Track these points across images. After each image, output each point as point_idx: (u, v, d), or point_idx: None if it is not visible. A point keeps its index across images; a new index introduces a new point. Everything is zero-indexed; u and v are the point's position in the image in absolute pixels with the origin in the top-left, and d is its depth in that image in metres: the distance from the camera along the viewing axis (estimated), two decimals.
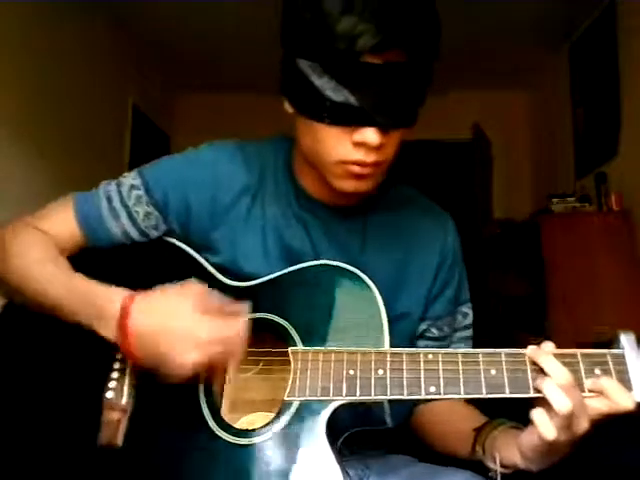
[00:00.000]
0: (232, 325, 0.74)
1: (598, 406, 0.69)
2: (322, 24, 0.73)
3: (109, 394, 0.78)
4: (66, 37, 3.23)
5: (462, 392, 0.71)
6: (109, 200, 0.91)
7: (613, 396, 0.68)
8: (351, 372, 0.74)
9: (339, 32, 0.71)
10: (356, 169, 0.79)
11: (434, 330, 0.94)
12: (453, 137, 4.74)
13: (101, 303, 0.76)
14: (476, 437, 0.80)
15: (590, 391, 0.70)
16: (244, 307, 0.76)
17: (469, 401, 0.82)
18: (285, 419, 0.74)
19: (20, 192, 2.73)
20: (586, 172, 3.66)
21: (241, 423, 0.80)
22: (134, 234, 0.91)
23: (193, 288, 0.76)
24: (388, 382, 0.73)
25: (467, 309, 0.98)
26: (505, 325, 3.57)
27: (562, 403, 0.67)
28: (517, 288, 3.52)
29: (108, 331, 0.75)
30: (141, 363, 0.75)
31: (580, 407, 0.68)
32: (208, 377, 0.79)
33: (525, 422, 0.74)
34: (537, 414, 0.68)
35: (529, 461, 0.73)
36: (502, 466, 0.76)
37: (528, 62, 4.30)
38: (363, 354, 0.75)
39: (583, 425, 0.68)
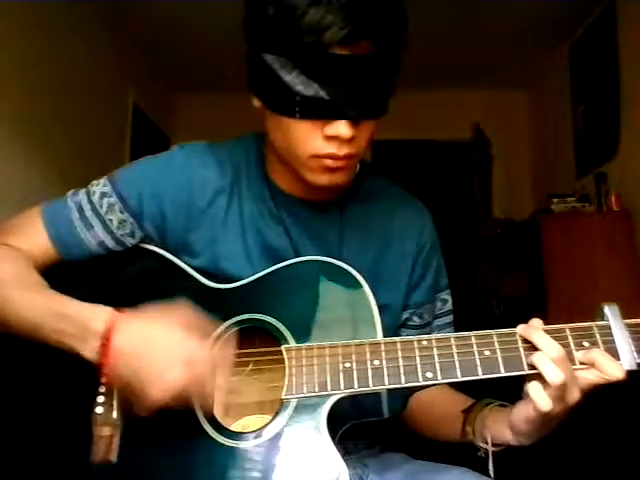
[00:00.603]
0: (214, 350, 0.73)
1: (589, 377, 0.71)
2: (288, 18, 0.72)
3: (99, 409, 0.76)
4: (66, 37, 3.23)
5: (459, 375, 0.72)
6: (80, 210, 0.88)
7: (604, 366, 0.70)
8: (347, 365, 0.74)
9: (306, 25, 0.71)
10: (329, 162, 0.79)
11: (415, 318, 0.95)
12: (453, 137, 4.74)
13: (84, 320, 0.73)
14: (465, 418, 0.81)
15: (582, 363, 0.72)
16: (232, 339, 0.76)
17: (458, 386, 0.83)
18: (285, 418, 0.74)
19: (20, 193, 2.73)
20: (586, 172, 3.66)
21: (235, 427, 0.79)
22: (110, 243, 0.88)
23: (181, 308, 0.74)
24: (385, 372, 0.73)
25: (446, 295, 0.99)
26: (505, 325, 3.56)
27: (555, 375, 0.68)
28: (517, 288, 3.52)
29: (90, 349, 0.72)
30: (119, 384, 0.72)
31: (572, 378, 0.70)
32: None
33: (512, 402, 0.76)
34: (532, 387, 0.70)
35: (521, 435, 0.74)
36: (493, 445, 0.77)
37: (528, 62, 4.29)
38: (357, 346, 0.75)
39: (574, 395, 0.70)
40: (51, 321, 0.75)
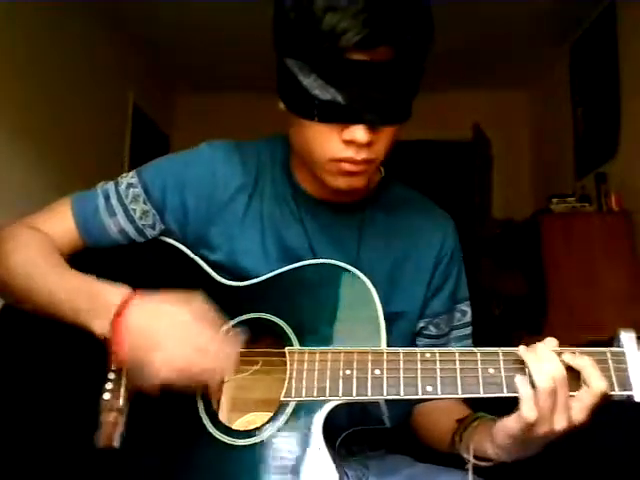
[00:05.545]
0: (223, 343, 0.74)
1: (578, 402, 0.68)
2: (307, 22, 0.73)
3: (106, 395, 0.78)
4: (66, 37, 3.23)
5: (459, 392, 0.71)
6: (107, 198, 0.91)
7: (591, 377, 0.67)
8: (348, 372, 0.74)
9: (323, 29, 0.72)
10: (347, 166, 0.79)
11: (432, 328, 0.94)
12: (453, 137, 4.74)
13: (101, 296, 0.76)
14: (456, 428, 0.81)
15: (568, 367, 0.69)
16: (239, 337, 0.77)
17: (468, 400, 0.83)
18: (282, 419, 0.74)
19: (20, 193, 2.73)
20: (586, 172, 3.65)
21: (240, 423, 0.81)
22: (131, 232, 0.91)
23: (196, 297, 0.76)
24: (385, 382, 0.73)
25: (466, 307, 0.98)
26: (505, 325, 3.56)
27: (545, 380, 0.66)
28: (517, 288, 3.52)
29: (101, 324, 0.74)
30: (123, 359, 0.74)
31: (565, 400, 0.67)
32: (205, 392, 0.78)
33: None
34: (523, 390, 0.68)
35: (500, 448, 0.72)
36: (476, 457, 0.75)
37: (528, 62, 4.29)
38: (360, 354, 0.75)
39: (562, 423, 0.67)
40: (70, 297, 0.77)
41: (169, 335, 0.72)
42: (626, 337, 0.71)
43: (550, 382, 0.67)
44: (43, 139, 3.02)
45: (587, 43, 3.74)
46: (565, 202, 3.40)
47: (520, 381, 0.69)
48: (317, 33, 0.72)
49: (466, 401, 0.86)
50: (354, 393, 0.73)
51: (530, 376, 0.69)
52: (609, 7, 3.42)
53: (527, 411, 0.67)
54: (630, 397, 0.69)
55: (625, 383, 0.69)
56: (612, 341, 0.72)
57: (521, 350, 0.71)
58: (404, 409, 0.94)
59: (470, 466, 0.75)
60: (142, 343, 0.72)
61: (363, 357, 0.74)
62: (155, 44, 4.14)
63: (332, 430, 0.76)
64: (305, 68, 0.75)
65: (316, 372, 0.75)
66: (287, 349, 0.78)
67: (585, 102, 3.76)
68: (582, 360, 0.69)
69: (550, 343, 0.72)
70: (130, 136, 4.13)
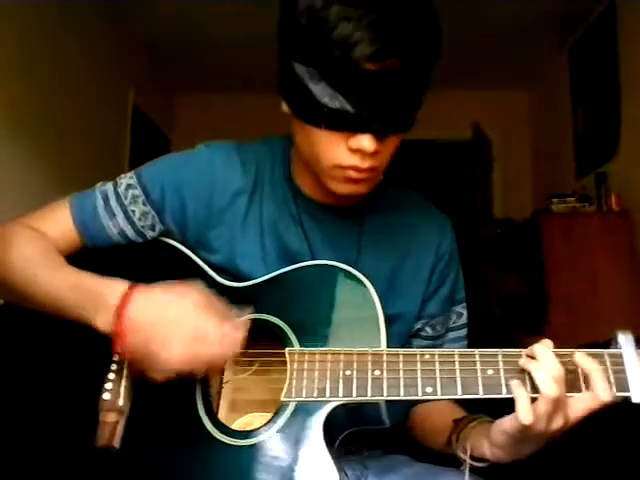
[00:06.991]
0: (229, 327, 0.74)
1: (580, 405, 0.68)
2: (319, 30, 0.72)
3: (106, 395, 0.78)
4: (66, 37, 3.23)
5: (459, 392, 0.71)
6: (105, 199, 0.91)
7: (597, 384, 0.67)
8: (347, 372, 0.74)
9: (336, 39, 0.71)
10: (352, 174, 0.79)
11: (428, 329, 0.94)
12: (453, 137, 4.74)
13: (101, 292, 0.76)
14: (454, 427, 0.80)
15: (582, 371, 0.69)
16: (244, 313, 0.77)
17: (465, 402, 0.82)
18: (282, 420, 0.74)
19: (19, 194, 2.73)
20: (586, 172, 3.66)
21: (238, 424, 0.80)
22: (130, 233, 0.91)
23: (196, 287, 0.77)
24: (385, 383, 0.73)
25: (462, 309, 0.98)
26: (505, 325, 3.57)
27: (550, 387, 0.66)
28: (517, 288, 3.52)
29: (104, 320, 0.74)
30: (130, 354, 0.74)
31: (563, 403, 0.67)
32: (204, 377, 0.79)
33: None
34: (519, 396, 0.68)
35: (497, 447, 0.72)
36: (473, 458, 0.75)
37: (528, 62, 4.30)
38: (359, 354, 0.75)
39: (559, 422, 0.67)
40: (71, 294, 0.78)
41: (173, 325, 0.72)
42: (623, 339, 0.71)
43: (554, 389, 0.66)
44: (43, 139, 3.02)
45: (587, 43, 3.75)
46: (565, 202, 3.41)
47: (516, 385, 0.69)
48: (330, 42, 0.72)
49: (463, 404, 0.86)
50: (354, 394, 0.73)
51: (532, 380, 0.68)
52: (609, 7, 3.42)
53: (524, 416, 0.67)
54: (628, 398, 0.69)
55: (623, 385, 0.68)
56: (610, 343, 0.72)
57: (523, 361, 0.70)
58: (403, 409, 0.94)
59: (466, 465, 0.75)
60: (147, 336, 0.72)
61: (363, 358, 0.74)
62: (155, 44, 4.15)
63: (332, 430, 0.76)
64: (315, 75, 0.75)
65: (316, 372, 0.75)
66: (287, 350, 0.78)
67: (585, 102, 3.76)
68: (592, 365, 0.69)
69: (547, 344, 0.71)
70: (130, 136, 4.13)
